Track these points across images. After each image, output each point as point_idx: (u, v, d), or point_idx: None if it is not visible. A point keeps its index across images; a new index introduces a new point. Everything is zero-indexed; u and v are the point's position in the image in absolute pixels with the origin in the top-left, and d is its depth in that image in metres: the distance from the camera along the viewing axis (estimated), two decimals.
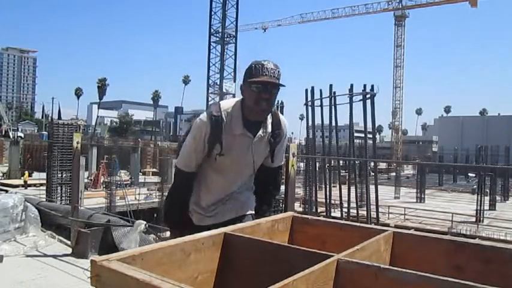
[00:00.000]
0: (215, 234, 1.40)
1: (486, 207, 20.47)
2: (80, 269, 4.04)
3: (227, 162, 1.98)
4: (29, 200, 6.17)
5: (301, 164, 21.58)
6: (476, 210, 18.85)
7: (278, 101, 20.97)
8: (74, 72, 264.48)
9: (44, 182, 15.83)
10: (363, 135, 20.16)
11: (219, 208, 2.09)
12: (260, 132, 1.96)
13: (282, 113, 2.38)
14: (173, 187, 2.12)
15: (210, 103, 36.15)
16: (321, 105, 20.05)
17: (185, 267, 1.28)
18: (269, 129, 1.99)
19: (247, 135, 1.94)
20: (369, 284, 1.10)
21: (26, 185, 20.97)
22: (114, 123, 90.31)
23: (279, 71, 1.87)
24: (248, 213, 2.13)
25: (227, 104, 1.97)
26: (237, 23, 39.81)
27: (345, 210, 18.76)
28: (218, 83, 40.25)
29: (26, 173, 22.80)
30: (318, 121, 20.93)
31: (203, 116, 1.94)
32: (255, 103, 1.86)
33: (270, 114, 1.98)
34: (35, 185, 20.39)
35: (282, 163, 2.23)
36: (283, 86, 1.90)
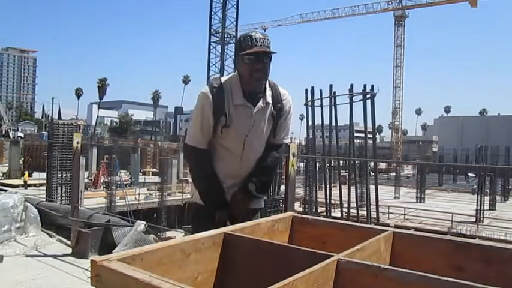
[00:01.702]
0: (215, 234, 1.40)
1: (486, 207, 20.49)
2: (80, 269, 4.04)
3: (232, 134, 1.98)
4: (29, 200, 6.16)
5: (301, 164, 21.59)
6: (476, 210, 18.86)
7: None
8: (74, 72, 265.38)
9: (44, 182, 15.85)
10: (363, 135, 20.17)
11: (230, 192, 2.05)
12: (260, 103, 1.98)
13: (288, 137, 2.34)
14: (198, 171, 2.06)
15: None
16: (321, 105, 20.07)
17: (185, 267, 1.27)
18: (269, 100, 2.00)
19: (247, 105, 1.96)
20: (369, 284, 1.10)
21: (26, 185, 20.96)
22: (114, 123, 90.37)
23: (267, 39, 1.90)
24: (258, 207, 2.14)
25: (226, 77, 2.02)
26: (237, 23, 39.78)
27: (345, 210, 18.77)
28: None
29: (26, 173, 22.80)
30: (318, 121, 20.97)
31: (205, 89, 1.96)
32: (250, 74, 1.89)
33: (269, 86, 2.02)
34: (35, 185, 20.40)
35: (285, 141, 2.18)
36: (275, 53, 1.91)
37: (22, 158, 28.11)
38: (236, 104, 1.94)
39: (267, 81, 2.01)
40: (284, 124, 2.11)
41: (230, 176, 2.05)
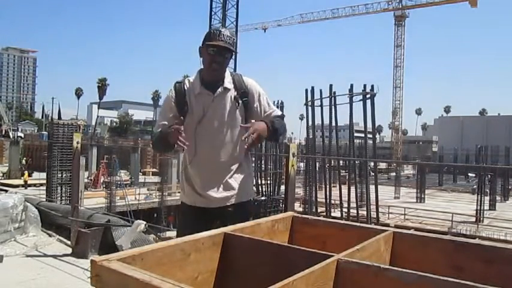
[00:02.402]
0: (215, 234, 1.40)
1: (486, 207, 20.48)
2: (80, 269, 4.04)
3: (194, 120, 2.12)
4: (29, 200, 6.16)
5: (301, 164, 21.59)
6: (476, 210, 18.86)
7: (278, 101, 21.00)
8: (74, 72, 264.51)
9: (44, 182, 15.84)
10: (363, 135, 20.17)
11: (209, 188, 2.13)
12: (219, 90, 2.13)
13: (282, 112, 2.38)
14: (155, 141, 2.25)
15: None
16: (321, 105, 20.08)
17: (185, 267, 1.27)
18: (229, 86, 2.15)
19: (205, 93, 2.13)
20: (368, 284, 1.10)
21: (26, 185, 20.95)
22: (114, 123, 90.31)
23: (233, 39, 2.11)
24: (244, 200, 2.19)
25: (192, 76, 2.22)
26: (237, 23, 39.70)
27: (345, 210, 18.78)
28: None
29: (26, 173, 22.78)
30: (318, 121, 20.97)
31: (171, 91, 2.20)
32: (209, 64, 2.09)
33: (230, 77, 2.18)
34: (35, 185, 20.39)
35: (277, 113, 2.24)
36: (234, 51, 2.12)
37: (25, 158, 28.10)
38: (196, 93, 2.13)
39: (229, 73, 2.19)
40: (263, 104, 2.22)
41: (201, 166, 2.15)
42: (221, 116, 2.13)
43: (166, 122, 2.13)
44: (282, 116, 2.25)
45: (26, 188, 19.25)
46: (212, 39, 2.06)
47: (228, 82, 2.15)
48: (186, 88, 2.15)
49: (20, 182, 22.32)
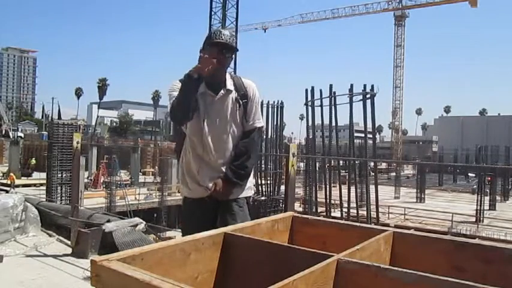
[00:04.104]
0: (215, 234, 1.40)
1: (486, 207, 20.46)
2: (80, 269, 4.04)
3: (195, 119, 2.17)
4: (29, 200, 6.17)
5: (301, 164, 21.57)
6: (476, 210, 18.84)
7: (278, 101, 21.00)
8: (74, 72, 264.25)
9: (44, 182, 15.82)
10: (363, 135, 20.14)
11: (211, 181, 2.21)
12: (222, 91, 2.19)
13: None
14: (174, 103, 2.18)
15: None
16: (321, 105, 20.05)
17: (185, 267, 1.28)
18: (230, 87, 2.22)
19: (208, 93, 2.18)
20: (369, 284, 1.10)
21: (13, 185, 19.04)
22: (114, 123, 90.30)
23: (233, 39, 2.18)
24: (244, 196, 2.28)
25: None
26: (237, 23, 39.67)
27: (345, 210, 18.76)
28: None
29: (12, 174, 21.76)
30: (318, 121, 20.95)
31: (175, 81, 2.22)
32: None
33: (230, 78, 2.24)
34: (35, 184, 20.35)
35: (257, 125, 2.32)
36: (234, 47, 2.18)
37: (34, 158, 27.88)
38: (199, 92, 2.14)
39: (229, 74, 2.26)
40: (251, 108, 2.29)
41: (204, 161, 2.22)
42: (224, 117, 2.22)
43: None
44: (257, 129, 2.32)
45: (13, 188, 17.38)
46: (212, 39, 2.12)
47: (229, 84, 2.23)
48: None
49: (20, 182, 22.17)
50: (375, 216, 18.08)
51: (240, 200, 2.26)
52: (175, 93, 2.15)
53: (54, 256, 4.63)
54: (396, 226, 13.85)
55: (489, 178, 22.80)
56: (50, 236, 5.55)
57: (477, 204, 18.95)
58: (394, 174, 33.12)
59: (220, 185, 2.19)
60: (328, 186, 19.37)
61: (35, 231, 5.53)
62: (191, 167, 2.26)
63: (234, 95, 2.22)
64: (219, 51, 2.10)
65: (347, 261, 1.15)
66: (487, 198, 20.96)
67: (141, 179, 27.11)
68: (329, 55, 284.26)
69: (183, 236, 1.87)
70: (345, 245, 1.30)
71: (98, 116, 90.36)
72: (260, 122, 2.37)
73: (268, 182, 20.60)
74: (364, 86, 18.86)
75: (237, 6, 39.35)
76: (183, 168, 2.32)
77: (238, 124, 2.25)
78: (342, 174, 21.53)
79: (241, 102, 2.23)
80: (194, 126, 2.21)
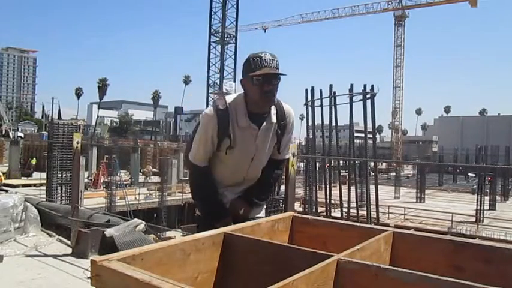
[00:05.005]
0: (215, 234, 1.40)
1: (486, 207, 20.46)
2: (80, 269, 4.04)
3: (236, 155, 2.00)
4: (29, 200, 6.17)
5: (301, 164, 21.57)
6: (476, 210, 18.84)
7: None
8: (74, 72, 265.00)
9: (44, 182, 15.81)
10: (363, 135, 20.15)
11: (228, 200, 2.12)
12: (265, 123, 1.99)
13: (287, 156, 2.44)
14: (198, 187, 2.12)
15: (210, 102, 36.16)
16: (321, 105, 20.06)
17: (185, 267, 1.27)
18: (274, 119, 2.01)
19: (252, 127, 1.96)
20: (369, 284, 1.10)
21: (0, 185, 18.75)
22: (114, 123, 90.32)
23: (277, 61, 1.88)
24: (257, 215, 2.20)
25: (231, 98, 1.99)
26: (237, 23, 39.74)
27: (345, 210, 18.76)
28: (218, 83, 40.23)
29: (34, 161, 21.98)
30: (318, 121, 20.96)
31: (209, 111, 1.96)
32: (259, 96, 1.88)
33: (273, 105, 2.00)
34: (35, 184, 20.35)
35: (287, 156, 2.25)
36: (284, 75, 1.91)
37: (34, 158, 27.90)
38: (241, 126, 1.95)
39: None
40: (288, 141, 2.16)
41: (231, 189, 2.10)
42: (261, 149, 2.05)
43: (205, 156, 2.01)
44: (284, 161, 2.27)
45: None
46: (254, 68, 1.86)
47: (273, 114, 2.01)
48: (230, 118, 1.94)
49: (20, 182, 22.15)
50: (375, 216, 18.08)
51: (255, 218, 2.22)
52: (204, 142, 1.97)
53: (54, 256, 4.63)
54: (396, 226, 13.85)
55: (489, 178, 22.81)
56: (50, 236, 5.55)
57: (477, 204, 18.95)
58: (394, 174, 33.13)
59: (246, 210, 2.09)
60: (328, 186, 19.38)
61: (35, 231, 5.53)
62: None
63: (275, 126, 2.03)
64: (266, 82, 1.85)
65: (347, 261, 1.15)
66: (487, 198, 20.96)
67: (141, 179, 27.11)
68: (329, 55, 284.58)
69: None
70: (345, 245, 1.30)
71: (97, 116, 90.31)
72: (289, 153, 2.31)
73: None
74: (364, 86, 18.88)
75: (237, 6, 39.39)
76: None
77: (271, 151, 2.12)
78: (342, 174, 21.54)
79: (279, 132, 2.06)
80: (236, 160, 2.03)
